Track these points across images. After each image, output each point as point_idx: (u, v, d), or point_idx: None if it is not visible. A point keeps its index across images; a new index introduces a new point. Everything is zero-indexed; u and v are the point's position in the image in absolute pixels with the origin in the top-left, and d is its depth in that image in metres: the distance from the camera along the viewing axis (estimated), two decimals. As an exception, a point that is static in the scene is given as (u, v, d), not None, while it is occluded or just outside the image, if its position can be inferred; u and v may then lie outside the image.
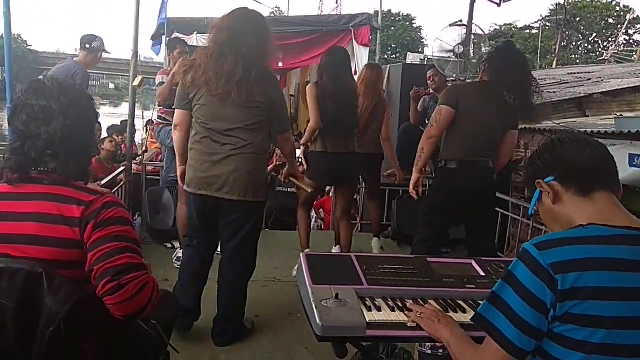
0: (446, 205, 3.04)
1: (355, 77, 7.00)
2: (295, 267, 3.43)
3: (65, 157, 1.32)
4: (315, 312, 1.40)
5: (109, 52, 4.37)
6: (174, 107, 2.55)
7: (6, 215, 1.27)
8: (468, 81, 2.95)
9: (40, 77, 1.41)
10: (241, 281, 2.60)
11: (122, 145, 6.09)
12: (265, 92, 2.39)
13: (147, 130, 7.07)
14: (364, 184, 4.70)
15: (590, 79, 7.95)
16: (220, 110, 2.34)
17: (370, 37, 7.66)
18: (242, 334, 2.67)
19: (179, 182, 2.68)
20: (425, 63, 9.53)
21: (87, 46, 4.05)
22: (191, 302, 2.57)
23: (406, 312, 1.45)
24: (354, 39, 7.21)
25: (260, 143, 2.45)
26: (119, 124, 7.07)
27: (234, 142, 2.37)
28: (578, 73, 9.50)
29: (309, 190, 2.79)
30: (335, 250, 3.84)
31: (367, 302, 1.49)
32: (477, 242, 3.09)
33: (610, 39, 28.60)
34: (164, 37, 6.66)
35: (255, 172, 2.44)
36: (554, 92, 6.85)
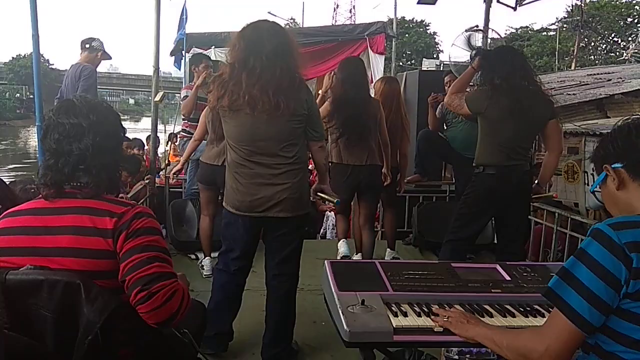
0: (485, 210, 3.06)
1: (372, 85, 6.99)
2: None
3: (97, 171, 1.39)
4: (342, 318, 1.42)
5: (110, 57, 4.46)
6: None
7: (44, 229, 1.33)
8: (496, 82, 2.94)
9: (70, 97, 1.48)
10: (291, 296, 2.56)
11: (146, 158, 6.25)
12: (305, 101, 2.34)
13: (168, 143, 7.20)
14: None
15: (610, 80, 7.84)
16: (263, 128, 2.26)
17: (385, 44, 7.69)
18: (291, 356, 2.61)
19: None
20: (442, 69, 9.53)
21: (87, 46, 4.22)
22: (228, 326, 2.55)
23: (433, 317, 1.46)
24: (369, 48, 7.26)
25: (303, 155, 2.41)
26: (146, 138, 7.24)
27: (279, 160, 2.30)
28: (598, 74, 9.37)
29: (335, 201, 2.68)
30: (357, 257, 3.86)
31: (393, 308, 1.50)
32: (507, 247, 3.09)
33: (630, 39, 28.12)
34: (183, 52, 6.80)
35: (302, 186, 2.40)
36: (574, 94, 6.78)
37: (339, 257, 3.64)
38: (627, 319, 1.08)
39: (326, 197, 2.70)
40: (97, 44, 4.22)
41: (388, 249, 4.18)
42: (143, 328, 1.30)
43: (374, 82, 7.62)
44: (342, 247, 3.82)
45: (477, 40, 4.79)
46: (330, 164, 3.53)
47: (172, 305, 1.30)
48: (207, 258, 3.79)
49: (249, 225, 2.41)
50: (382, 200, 4.42)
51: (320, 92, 3.77)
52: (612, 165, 1.23)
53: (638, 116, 1.25)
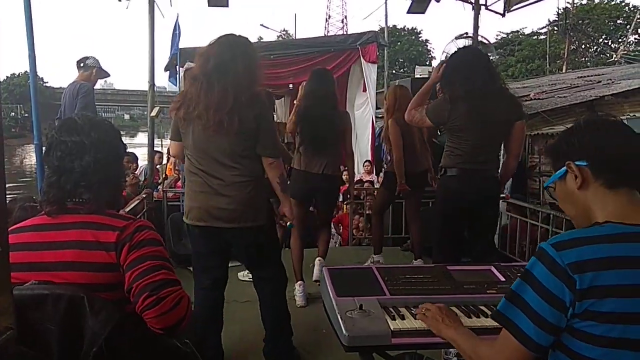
0: (450, 212, 3.04)
1: (366, 94, 7.04)
2: (294, 290, 3.53)
3: (97, 187, 1.43)
4: (341, 323, 1.46)
5: (108, 74, 4.49)
6: (169, 138, 2.51)
7: (47, 245, 1.36)
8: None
9: (72, 115, 1.52)
10: (279, 296, 2.64)
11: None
12: (255, 117, 2.32)
13: (168, 158, 7.23)
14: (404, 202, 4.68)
15: (600, 82, 7.93)
16: (213, 141, 2.30)
17: (378, 53, 7.78)
18: (293, 355, 2.68)
19: None
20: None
21: (82, 64, 4.30)
22: (214, 350, 2.54)
23: (414, 311, 1.50)
24: (361, 57, 7.34)
25: (255, 168, 2.40)
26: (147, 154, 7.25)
27: (229, 171, 2.33)
28: (588, 76, 9.48)
29: (288, 224, 2.92)
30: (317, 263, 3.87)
31: (390, 312, 1.54)
32: (477, 244, 3.10)
33: (620, 40, 28.43)
34: (177, 67, 6.84)
35: (252, 199, 2.38)
36: (565, 96, 6.86)
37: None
38: (579, 338, 1.07)
39: (287, 220, 2.84)
40: (91, 62, 4.28)
41: (414, 261, 4.19)
42: (146, 338, 1.33)
43: (367, 90, 7.74)
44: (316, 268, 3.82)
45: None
46: (292, 169, 3.67)
47: (179, 311, 1.34)
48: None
49: (204, 233, 2.44)
50: (405, 211, 4.48)
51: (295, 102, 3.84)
52: (576, 163, 1.16)
53: (607, 114, 1.23)
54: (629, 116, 5.23)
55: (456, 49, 3.34)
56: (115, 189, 1.52)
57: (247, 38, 2.44)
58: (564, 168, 1.19)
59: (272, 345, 2.63)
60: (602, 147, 1.14)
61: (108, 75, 4.50)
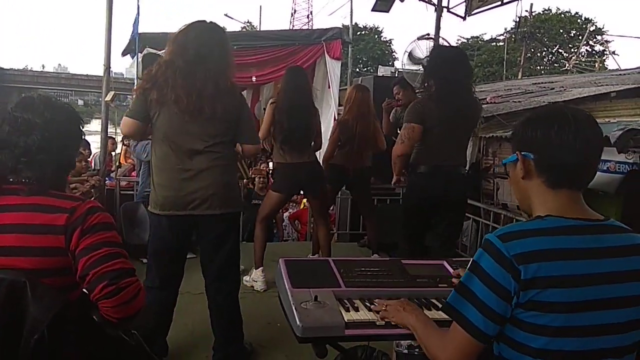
0: (419, 210, 3.11)
1: (330, 90, 7.10)
2: (247, 277, 3.68)
3: (39, 166, 1.36)
4: (295, 314, 1.45)
5: None
6: (125, 115, 2.34)
7: None
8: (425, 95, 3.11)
9: (32, 94, 1.46)
10: (233, 299, 2.51)
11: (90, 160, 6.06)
12: (235, 105, 2.37)
13: (122, 145, 7.01)
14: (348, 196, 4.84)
15: (553, 89, 8.23)
16: (191, 126, 2.27)
17: (342, 50, 7.78)
18: (243, 356, 2.59)
19: None
20: (397, 75, 9.73)
21: None
22: (158, 346, 2.43)
23: (373, 307, 1.51)
24: (326, 53, 7.33)
25: (231, 155, 2.44)
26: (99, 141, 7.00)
27: (207, 156, 2.31)
28: (542, 83, 9.83)
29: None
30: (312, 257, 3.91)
31: (345, 303, 1.54)
32: (442, 246, 3.15)
33: (572, 50, 29.70)
34: (136, 52, 6.64)
35: (231, 184, 2.43)
36: (519, 101, 7.08)
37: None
38: (524, 329, 1.11)
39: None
40: None
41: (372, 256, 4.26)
42: (90, 329, 1.28)
43: (331, 87, 7.74)
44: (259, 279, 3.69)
45: (422, 51, 4.95)
46: (277, 164, 3.80)
47: (138, 302, 1.30)
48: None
49: (175, 224, 2.34)
50: (358, 208, 4.62)
51: (272, 98, 3.90)
52: (523, 153, 1.19)
53: (565, 108, 1.20)
54: (564, 108, 5.46)
55: (434, 46, 3.51)
56: (60, 171, 1.45)
57: (218, 25, 2.43)
58: (515, 155, 1.23)
59: (223, 353, 2.48)
60: (552, 148, 1.15)
61: None
